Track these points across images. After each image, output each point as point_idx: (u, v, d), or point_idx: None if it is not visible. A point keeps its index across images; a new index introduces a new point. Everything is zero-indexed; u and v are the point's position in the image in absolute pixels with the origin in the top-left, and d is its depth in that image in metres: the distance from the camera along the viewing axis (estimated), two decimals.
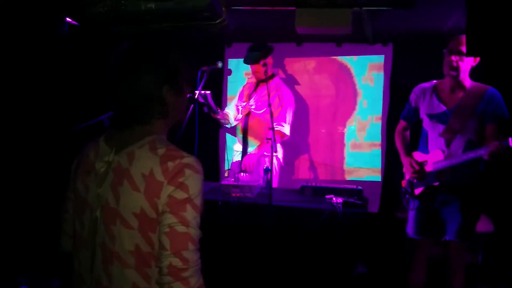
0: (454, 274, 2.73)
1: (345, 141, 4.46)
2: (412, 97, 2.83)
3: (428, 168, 2.75)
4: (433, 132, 2.75)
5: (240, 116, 3.81)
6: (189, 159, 1.20)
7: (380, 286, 3.55)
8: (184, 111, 1.39)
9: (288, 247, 2.94)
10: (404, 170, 2.89)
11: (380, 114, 4.34)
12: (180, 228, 1.15)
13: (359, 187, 3.40)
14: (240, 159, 3.73)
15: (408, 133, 2.98)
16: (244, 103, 3.78)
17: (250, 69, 3.71)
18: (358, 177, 4.43)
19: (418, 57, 4.09)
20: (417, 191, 2.84)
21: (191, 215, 1.16)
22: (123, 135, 1.27)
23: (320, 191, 3.26)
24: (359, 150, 4.43)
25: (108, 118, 2.70)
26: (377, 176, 4.37)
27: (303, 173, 4.56)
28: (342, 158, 4.47)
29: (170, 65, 1.27)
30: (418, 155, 2.85)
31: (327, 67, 4.46)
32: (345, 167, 4.46)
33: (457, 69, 2.57)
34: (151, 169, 1.17)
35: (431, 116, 2.72)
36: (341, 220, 2.87)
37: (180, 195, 1.16)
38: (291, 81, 4.51)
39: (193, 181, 1.18)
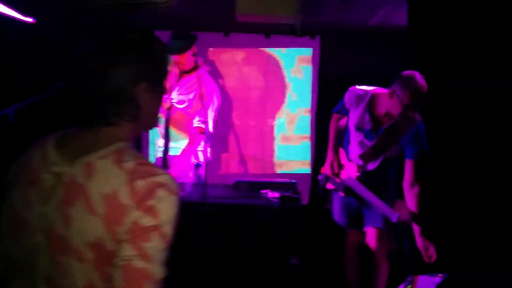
0: (378, 262, 2.79)
1: (275, 134, 4.41)
2: (346, 99, 2.75)
3: (343, 175, 2.78)
4: (356, 139, 2.73)
5: (162, 109, 3.57)
6: (164, 178, 0.97)
7: (313, 277, 3.56)
8: (156, 116, 1.13)
9: (224, 245, 2.81)
10: (325, 165, 2.89)
11: (309, 107, 4.35)
12: (138, 263, 0.92)
13: (293, 181, 3.36)
14: (162, 155, 3.50)
15: (343, 120, 2.95)
16: (166, 96, 3.55)
17: (173, 59, 3.47)
18: (288, 170, 4.41)
19: (346, 50, 4.15)
20: (329, 186, 2.88)
21: (156, 247, 0.93)
22: (82, 139, 1.01)
23: (255, 186, 3.16)
24: (289, 143, 4.41)
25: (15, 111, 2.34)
26: (307, 169, 4.39)
27: (232, 167, 4.44)
28: (272, 151, 4.42)
29: (154, 59, 1.04)
30: (343, 155, 2.86)
31: (256, 58, 4.37)
32: (275, 160, 4.42)
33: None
34: (115, 188, 0.93)
35: (357, 127, 2.71)
36: (278, 215, 2.80)
37: (147, 221, 0.93)
38: (218, 73, 4.35)
39: (166, 205, 0.96)
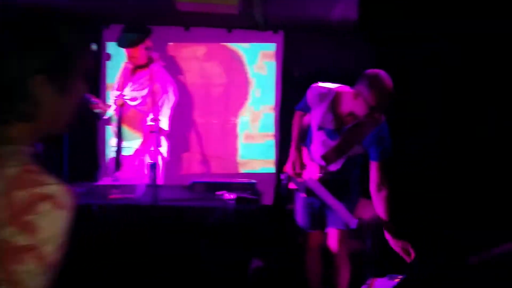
0: (339, 264, 2.71)
1: (238, 132, 4.26)
2: (309, 97, 2.62)
3: (305, 176, 2.67)
4: (318, 138, 2.63)
5: (114, 106, 3.37)
6: (52, 188, 0.82)
7: (277, 279, 3.44)
8: (68, 118, 0.96)
9: (178, 251, 2.65)
10: (287, 164, 2.77)
11: (273, 104, 4.22)
12: None
13: (253, 181, 3.22)
14: (115, 155, 3.30)
15: (307, 117, 2.81)
16: (118, 92, 3.35)
17: (126, 53, 3.28)
18: (252, 169, 4.27)
19: (309, 46, 4.04)
20: (291, 186, 2.77)
21: (30, 271, 0.78)
22: None
23: (212, 187, 3.00)
24: (252, 142, 4.27)
25: None
26: (271, 168, 4.26)
27: (194, 167, 4.27)
28: (235, 150, 4.27)
29: (58, 49, 0.87)
30: (305, 153, 2.76)
31: (218, 54, 4.21)
32: (239, 159, 4.27)
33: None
34: None
35: (319, 127, 2.60)
36: (234, 217, 2.65)
37: (21, 239, 0.78)
38: (178, 68, 4.18)
39: (49, 221, 0.80)
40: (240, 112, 4.25)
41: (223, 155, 4.26)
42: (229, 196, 2.75)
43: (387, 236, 2.43)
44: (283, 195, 3.02)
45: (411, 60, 3.75)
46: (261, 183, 4.17)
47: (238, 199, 2.68)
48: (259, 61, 4.19)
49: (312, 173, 2.66)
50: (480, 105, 2.90)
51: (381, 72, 2.34)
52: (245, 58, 4.18)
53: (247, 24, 3.98)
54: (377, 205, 2.48)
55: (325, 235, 2.79)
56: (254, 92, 4.22)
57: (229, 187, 2.96)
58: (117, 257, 2.53)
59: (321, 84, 2.60)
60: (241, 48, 4.19)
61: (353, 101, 2.37)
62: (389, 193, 2.45)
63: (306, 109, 2.71)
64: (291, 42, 4.12)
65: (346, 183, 2.70)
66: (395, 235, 2.40)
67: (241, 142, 4.26)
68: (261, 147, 4.26)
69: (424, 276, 1.87)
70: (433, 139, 3.27)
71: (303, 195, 2.73)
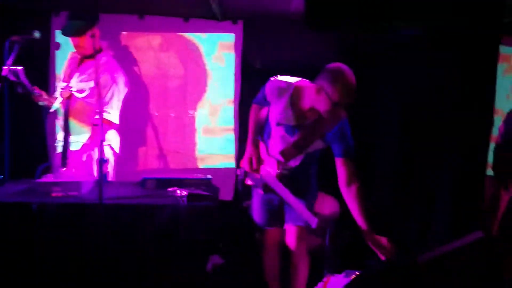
0: (298, 261, 2.62)
1: (197, 126, 4.11)
2: (268, 90, 2.49)
3: (262, 171, 2.57)
4: (277, 134, 2.52)
5: (60, 99, 3.15)
6: None
7: (237, 276, 3.34)
8: None
9: (126, 253, 2.49)
10: (243, 159, 2.66)
11: (232, 97, 4.09)
12: None
13: (208, 176, 3.09)
14: (61, 150, 3.10)
15: (264, 110, 2.69)
16: (65, 84, 3.14)
17: (72, 42, 3.07)
18: (212, 164, 4.13)
19: (269, 37, 3.93)
20: (248, 181, 2.67)
21: None
22: None
23: (165, 183, 2.85)
24: (211, 136, 4.13)
25: None
26: (231, 163, 4.14)
27: (150, 162, 4.09)
28: (194, 144, 4.12)
29: None
30: (263, 149, 2.65)
31: (175, 44, 4.03)
32: (197, 154, 4.12)
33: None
34: None
35: (278, 123, 2.49)
36: (186, 215, 2.51)
37: None
38: (132, 59, 3.99)
39: None
40: (198, 105, 4.10)
41: (181, 149, 4.11)
42: (181, 192, 2.61)
43: (363, 233, 2.32)
44: (240, 191, 2.90)
45: (372, 52, 3.71)
46: (221, 178, 4.08)
47: (190, 196, 2.54)
48: (218, 52, 4.04)
49: (270, 169, 2.55)
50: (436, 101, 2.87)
51: (344, 67, 2.24)
52: (202, 49, 4.03)
53: (204, 14, 3.83)
54: (349, 202, 2.38)
55: (283, 232, 2.69)
56: (212, 84, 4.07)
57: (182, 183, 2.83)
58: (56, 258, 2.36)
59: (280, 77, 2.48)
60: (199, 39, 4.03)
61: (315, 96, 2.26)
62: (359, 188, 2.35)
63: (264, 103, 2.60)
64: (250, 32, 3.99)
65: (305, 180, 2.61)
66: (371, 232, 2.29)
67: (199, 136, 4.12)
68: (221, 142, 4.13)
69: (376, 274, 1.79)
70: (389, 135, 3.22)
71: (260, 191, 2.62)
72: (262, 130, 2.68)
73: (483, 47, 2.10)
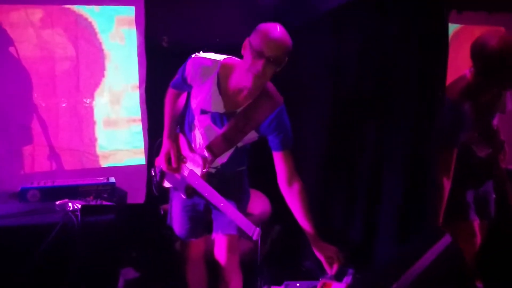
0: (229, 276, 2.20)
1: (96, 117, 3.46)
2: (188, 71, 1.99)
3: (183, 171, 2.10)
4: (201, 124, 2.05)
5: None
6: None
7: None
8: None
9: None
10: (159, 156, 2.17)
11: (137, 82, 3.50)
12: None
13: (111, 180, 2.54)
14: None
15: (183, 97, 2.21)
16: None
17: None
18: (117, 162, 3.53)
19: (177, 8, 3.37)
20: (167, 184, 2.19)
21: None
22: None
23: (52, 193, 2.25)
24: (114, 128, 3.52)
25: None
26: (140, 159, 3.57)
27: (40, 164, 3.38)
28: (94, 139, 3.48)
29: None
30: (183, 142, 2.17)
31: (61, 19, 3.32)
32: (98, 151, 3.49)
33: (264, 78, 1.83)
34: None
35: (203, 111, 2.01)
36: (80, 234, 1.96)
37: None
38: (7, 37, 3.22)
39: None
40: (96, 92, 3.45)
41: (77, 146, 3.44)
42: (74, 205, 2.04)
43: (309, 238, 1.96)
44: (155, 194, 2.38)
45: None
46: (129, 178, 3.51)
47: (83, 209, 1.99)
48: (115, 29, 3.41)
49: (193, 167, 2.07)
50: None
51: (278, 25, 1.83)
52: (96, 25, 3.37)
53: None
54: (292, 203, 2.00)
55: (210, 242, 2.25)
56: (111, 67, 3.44)
57: (76, 191, 2.25)
58: None
59: (203, 54, 1.99)
60: (91, 12, 3.35)
61: (241, 71, 1.85)
62: (302, 185, 1.99)
63: (184, 87, 2.09)
64: (154, 3, 3.40)
65: (236, 178, 2.19)
66: (318, 238, 1.94)
67: (100, 129, 3.48)
68: (126, 135, 3.53)
69: None
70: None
71: (182, 195, 2.14)
72: (182, 120, 2.18)
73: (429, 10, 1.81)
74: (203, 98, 1.97)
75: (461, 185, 2.28)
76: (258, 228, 1.82)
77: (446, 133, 2.11)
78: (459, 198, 2.29)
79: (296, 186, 1.97)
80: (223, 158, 2.07)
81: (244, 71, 1.83)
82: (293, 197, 1.97)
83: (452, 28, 3.63)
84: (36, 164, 3.38)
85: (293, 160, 1.99)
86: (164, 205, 3.03)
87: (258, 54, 1.74)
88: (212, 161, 2.04)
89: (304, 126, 3.03)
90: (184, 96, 2.21)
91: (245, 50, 1.82)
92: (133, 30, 3.44)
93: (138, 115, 3.52)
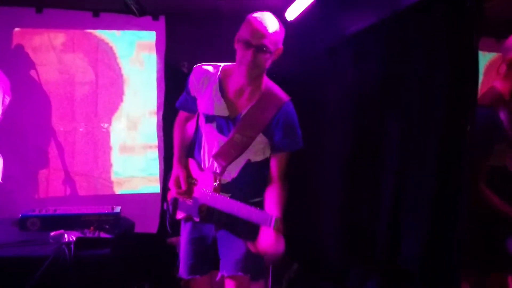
0: None
1: (112, 143, 3.39)
2: (191, 81, 1.95)
3: (196, 192, 1.96)
4: (208, 139, 1.95)
5: None
6: None
7: None
8: None
9: None
10: (170, 184, 2.04)
11: (154, 108, 3.42)
12: None
13: (116, 210, 2.42)
14: None
15: (192, 123, 2.12)
16: None
17: None
18: (131, 189, 3.43)
19: (197, 35, 3.32)
20: (180, 214, 2.03)
21: None
22: None
23: (52, 222, 2.14)
24: (130, 154, 3.43)
25: None
26: (155, 187, 3.45)
27: (54, 189, 3.32)
28: (109, 165, 3.40)
29: None
30: (193, 166, 2.04)
31: (82, 43, 3.31)
32: (113, 177, 3.40)
33: (257, 68, 1.78)
34: None
35: (208, 118, 1.92)
36: (73, 268, 1.82)
37: None
38: (28, 61, 3.24)
39: None
40: (113, 117, 3.39)
41: (92, 172, 3.37)
42: (70, 237, 1.92)
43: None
44: (168, 231, 2.23)
45: None
46: (144, 206, 3.40)
47: (78, 242, 1.86)
48: (136, 53, 3.37)
49: (205, 188, 1.94)
50: None
51: (266, 12, 1.82)
52: (116, 49, 3.34)
53: (119, 7, 3.15)
54: (268, 196, 1.88)
55: (216, 283, 2.06)
56: (130, 92, 3.38)
57: (78, 221, 2.14)
58: None
59: (205, 64, 1.96)
60: (112, 37, 3.34)
61: (236, 68, 1.83)
62: (283, 187, 1.89)
63: (189, 103, 2.01)
64: (175, 30, 3.36)
65: (250, 187, 1.99)
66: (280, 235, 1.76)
67: (116, 155, 3.40)
68: (142, 161, 3.44)
69: None
70: None
71: (195, 219, 2.00)
72: (192, 145, 2.07)
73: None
74: (206, 102, 1.90)
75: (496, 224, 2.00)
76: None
77: (479, 143, 1.89)
78: (493, 239, 2.01)
79: (276, 185, 1.88)
80: (234, 172, 1.93)
81: (238, 65, 1.79)
82: (270, 193, 1.87)
83: (489, 56, 3.39)
84: (51, 188, 3.32)
85: (286, 163, 1.91)
86: (173, 238, 2.89)
87: (246, 44, 1.73)
88: (223, 171, 1.91)
89: (326, 144, 2.88)
90: (193, 122, 2.11)
91: (236, 44, 1.79)
92: (153, 55, 3.39)
93: (155, 142, 3.42)
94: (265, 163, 1.97)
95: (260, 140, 1.89)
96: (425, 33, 1.86)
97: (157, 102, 3.41)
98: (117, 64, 3.36)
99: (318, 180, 3.07)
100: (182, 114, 2.11)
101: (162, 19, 3.33)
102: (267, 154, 1.96)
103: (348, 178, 2.65)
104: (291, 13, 3.07)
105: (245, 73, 1.78)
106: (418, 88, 1.96)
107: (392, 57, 2.13)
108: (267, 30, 1.73)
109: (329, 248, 2.87)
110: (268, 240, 1.77)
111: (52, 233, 1.96)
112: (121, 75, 3.37)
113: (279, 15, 3.09)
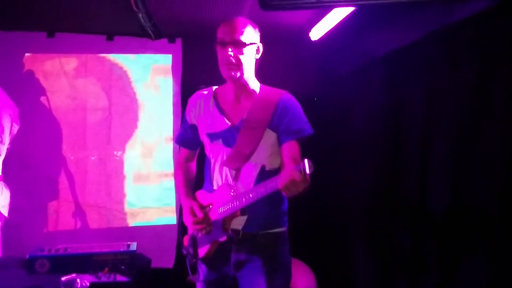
0: None
1: (125, 171, 3.22)
2: (188, 110, 1.92)
3: (214, 215, 1.79)
4: (216, 159, 1.83)
5: None
6: None
7: None
8: None
9: None
10: (184, 219, 1.85)
11: (171, 134, 3.25)
12: None
13: (132, 247, 2.23)
14: None
15: (193, 165, 2.01)
16: None
17: None
18: (146, 221, 3.23)
19: (214, 58, 3.16)
20: (202, 251, 1.83)
21: None
22: None
23: (63, 263, 1.93)
24: (145, 183, 3.24)
25: None
26: (171, 218, 3.25)
27: (64, 222, 3.13)
28: (122, 195, 3.21)
29: None
30: (202, 196, 1.87)
31: (95, 68, 3.19)
32: (127, 208, 3.21)
33: (237, 65, 1.76)
34: None
35: (212, 136, 1.84)
36: None
37: None
38: (39, 87, 3.12)
39: None
40: (127, 144, 3.22)
41: (104, 203, 3.18)
42: (82, 282, 1.70)
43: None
44: (189, 270, 2.02)
45: None
46: (159, 239, 3.19)
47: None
48: (151, 78, 3.22)
49: (221, 203, 1.77)
50: None
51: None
52: (131, 74, 3.20)
53: (133, 30, 3.01)
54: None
55: None
56: (144, 117, 3.22)
57: (89, 262, 1.92)
58: None
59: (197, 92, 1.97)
60: (126, 61, 3.20)
61: (223, 74, 1.82)
62: None
63: (189, 133, 1.92)
64: (191, 53, 3.22)
65: (270, 244, 1.80)
66: None
67: (129, 184, 3.22)
68: (157, 191, 3.25)
69: None
70: None
71: (224, 238, 1.79)
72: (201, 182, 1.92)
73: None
74: (206, 121, 1.85)
75: None
76: (302, 165, 1.42)
77: None
78: None
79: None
80: (250, 181, 1.77)
81: (222, 71, 1.78)
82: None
83: None
84: (60, 221, 3.13)
85: (299, 149, 1.75)
86: (193, 276, 2.66)
87: (222, 44, 1.76)
88: (237, 177, 1.77)
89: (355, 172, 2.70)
90: (194, 163, 2.00)
91: (217, 50, 1.81)
92: (169, 79, 3.24)
93: (171, 170, 3.23)
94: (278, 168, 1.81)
95: (269, 137, 1.79)
96: (481, 46, 1.69)
97: (173, 128, 3.24)
98: (132, 89, 3.21)
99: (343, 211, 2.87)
100: (182, 154, 2.00)
101: (178, 42, 3.20)
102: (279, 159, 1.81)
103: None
104: (315, 33, 2.92)
105: (229, 74, 1.76)
106: (471, 104, 1.79)
107: (439, 72, 1.97)
108: (238, 26, 1.77)
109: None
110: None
111: (63, 278, 1.75)
112: (136, 100, 3.22)
113: (304, 34, 3.00)
